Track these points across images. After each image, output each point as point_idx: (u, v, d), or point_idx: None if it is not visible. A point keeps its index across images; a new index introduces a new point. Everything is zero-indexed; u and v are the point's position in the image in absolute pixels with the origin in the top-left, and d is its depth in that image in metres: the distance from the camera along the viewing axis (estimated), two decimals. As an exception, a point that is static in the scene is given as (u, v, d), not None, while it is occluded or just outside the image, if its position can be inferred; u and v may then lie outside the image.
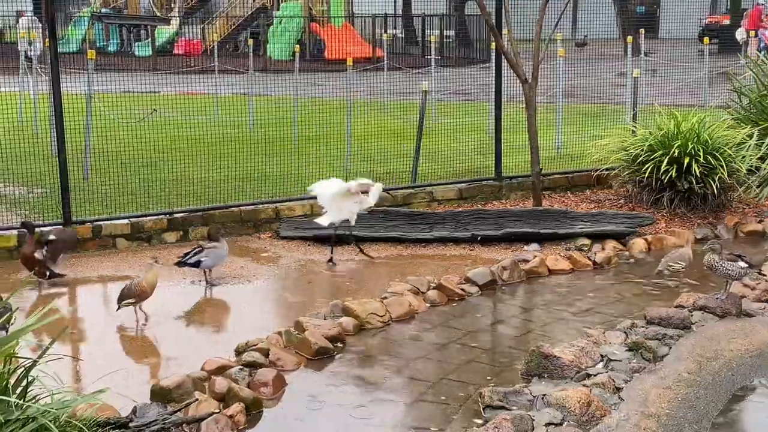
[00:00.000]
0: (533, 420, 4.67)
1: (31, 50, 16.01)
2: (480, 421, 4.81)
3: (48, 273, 7.28)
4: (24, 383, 3.39)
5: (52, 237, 7.43)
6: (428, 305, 6.76)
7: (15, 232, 7.94)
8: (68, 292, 7.34)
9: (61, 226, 7.97)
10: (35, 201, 9.64)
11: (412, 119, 11.32)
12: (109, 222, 8.56)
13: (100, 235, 8.46)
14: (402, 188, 9.89)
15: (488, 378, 5.44)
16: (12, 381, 3.42)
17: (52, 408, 3.33)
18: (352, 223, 7.99)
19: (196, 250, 7.35)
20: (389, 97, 15.73)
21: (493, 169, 10.35)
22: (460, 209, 9.31)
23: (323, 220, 8.01)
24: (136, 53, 30.22)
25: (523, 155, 10.74)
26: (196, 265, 7.32)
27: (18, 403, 3.33)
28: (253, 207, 9.13)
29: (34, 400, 3.44)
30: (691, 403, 5.03)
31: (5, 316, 5.79)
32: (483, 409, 4.93)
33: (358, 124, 11.95)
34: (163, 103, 11.60)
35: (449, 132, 12.03)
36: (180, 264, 7.32)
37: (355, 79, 12.18)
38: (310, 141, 12.59)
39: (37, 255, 7.23)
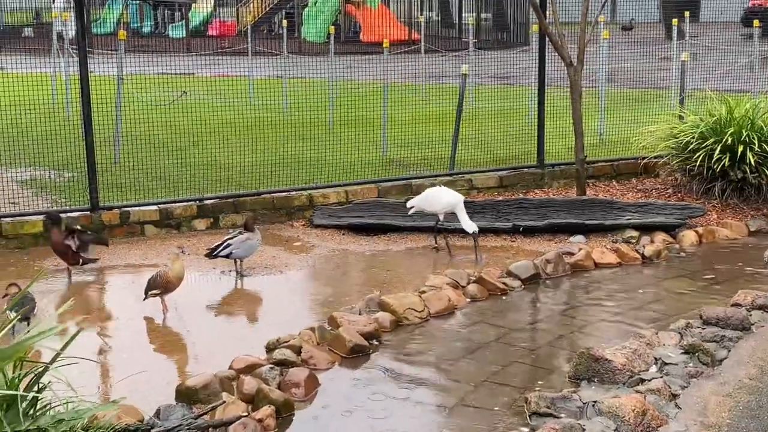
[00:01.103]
0: (584, 430, 4.33)
1: (65, 31, 15.83)
2: (526, 430, 4.48)
3: (81, 260, 7.05)
4: (35, 389, 3.12)
5: (78, 227, 7.20)
6: (468, 300, 6.42)
7: (41, 218, 7.71)
8: (95, 281, 7.10)
9: (94, 233, 7.52)
10: (64, 185, 9.44)
11: (448, 104, 10.96)
12: (137, 208, 8.32)
13: (128, 222, 8.23)
14: (440, 176, 9.53)
15: (533, 381, 5.09)
16: (23, 387, 3.14)
17: (64, 417, 3.05)
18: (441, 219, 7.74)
19: (227, 240, 7.08)
20: (426, 80, 15.33)
21: (535, 156, 9.95)
22: (501, 198, 8.93)
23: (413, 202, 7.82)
24: (170, 35, 30.08)
25: (565, 141, 10.33)
26: (228, 255, 7.06)
27: (28, 413, 3.07)
28: (285, 194, 8.84)
29: (46, 409, 3.17)
30: (753, 412, 4.64)
31: (25, 308, 5.58)
32: (529, 416, 4.59)
33: (395, 109, 11.61)
34: (196, 86, 11.37)
35: (487, 117, 11.62)
36: (210, 255, 7.05)
37: (391, 62, 11.82)
38: (345, 125, 12.26)
39: (68, 242, 7.00)
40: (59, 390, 3.42)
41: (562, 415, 4.54)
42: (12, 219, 7.89)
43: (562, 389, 4.81)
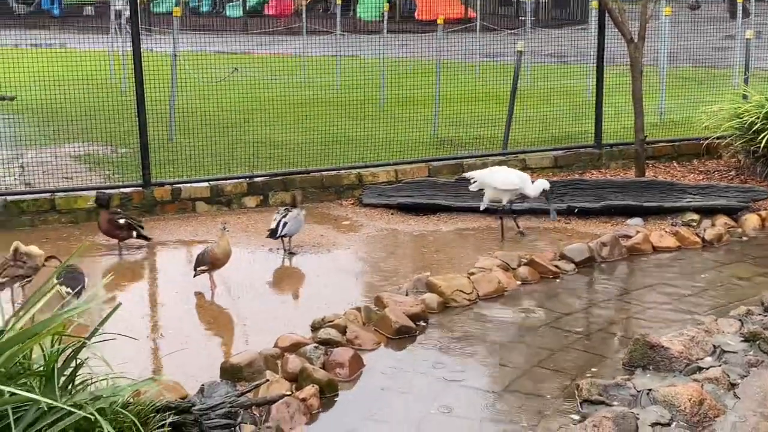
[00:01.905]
0: (638, 419, 4.16)
1: (123, 8, 15.95)
2: (577, 417, 4.33)
3: (136, 234, 7.09)
4: (73, 365, 3.08)
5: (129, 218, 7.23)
6: (519, 283, 6.26)
7: (93, 193, 7.75)
8: (145, 257, 7.12)
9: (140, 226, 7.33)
10: (118, 161, 9.50)
11: (502, 82, 10.72)
12: (188, 185, 8.33)
13: (180, 198, 8.24)
14: (492, 155, 9.33)
15: (585, 368, 4.92)
16: (60, 363, 3.10)
17: (102, 394, 3.01)
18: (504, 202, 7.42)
19: (279, 218, 7.04)
20: (480, 59, 15.07)
21: (592, 135, 9.68)
22: (555, 178, 8.71)
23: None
24: (228, 14, 30.18)
25: (623, 121, 10.03)
26: (285, 234, 7.02)
27: (66, 387, 3.03)
28: (335, 172, 8.75)
29: (84, 385, 3.13)
30: (817, 404, 4.42)
31: (80, 285, 5.59)
32: (580, 403, 4.44)
33: (447, 87, 11.41)
34: (251, 64, 11.33)
35: (543, 96, 11.37)
36: (273, 236, 6.97)
37: (445, 40, 11.62)
38: (397, 104, 12.12)
39: (119, 219, 7.03)
40: (101, 366, 3.40)
41: (615, 403, 4.38)
42: (65, 194, 7.95)
43: (615, 376, 4.64)
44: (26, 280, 5.75)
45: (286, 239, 7.05)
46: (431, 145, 10.05)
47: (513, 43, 11.18)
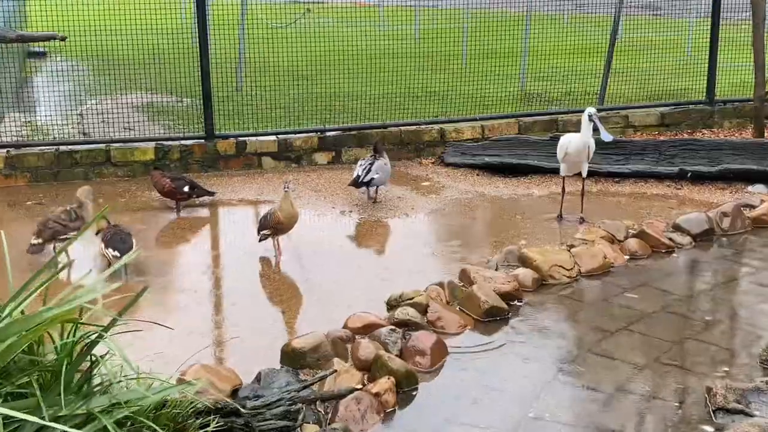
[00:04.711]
0: (791, 436, 3.34)
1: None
2: (710, 429, 3.52)
3: (189, 195, 6.47)
4: (90, 362, 2.42)
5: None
6: (627, 257, 5.42)
7: (152, 145, 7.17)
8: (204, 217, 6.50)
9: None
10: (182, 111, 8.90)
11: (596, 34, 9.73)
12: (254, 138, 7.67)
13: (245, 153, 7.60)
14: (590, 111, 8.40)
15: (714, 365, 4.09)
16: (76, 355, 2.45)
17: (121, 399, 2.34)
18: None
19: (366, 165, 6.38)
20: (570, 9, 13.98)
21: (703, 91, 8.65)
22: (663, 138, 7.75)
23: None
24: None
25: (738, 76, 8.97)
26: (370, 182, 6.36)
27: (81, 389, 2.37)
28: (415, 127, 7.98)
29: (104, 386, 2.47)
30: None
31: (125, 245, 5.01)
32: (713, 411, 3.62)
33: (535, 40, 10.47)
34: (325, 13, 10.61)
35: (637, 49, 10.33)
36: (357, 184, 6.34)
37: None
38: (481, 57, 11.22)
39: (173, 184, 6.41)
40: (143, 357, 2.75)
41: (757, 413, 3.55)
42: (122, 145, 7.38)
43: (753, 378, 3.80)
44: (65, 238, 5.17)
45: (372, 189, 6.39)
46: (518, 101, 9.18)
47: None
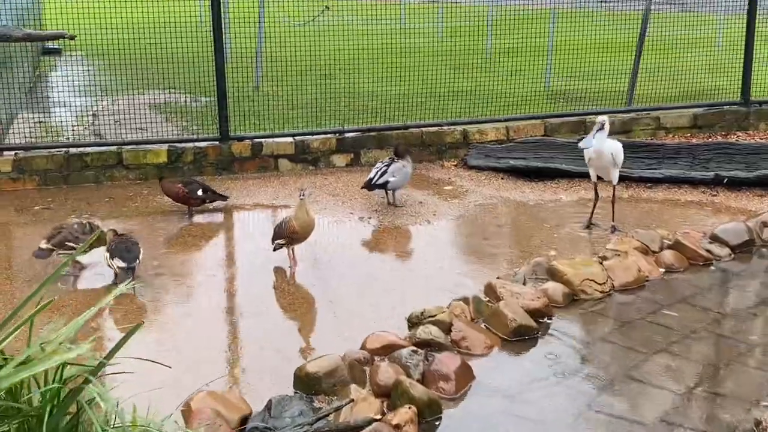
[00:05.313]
0: None
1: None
2: (762, 470, 3.21)
3: (201, 200, 6.22)
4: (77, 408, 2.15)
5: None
6: (662, 270, 5.10)
7: (164, 147, 6.92)
8: (216, 223, 6.24)
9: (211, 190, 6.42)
10: (197, 111, 8.65)
11: (624, 31, 9.39)
12: (270, 140, 7.41)
13: (261, 155, 7.34)
14: (619, 111, 8.08)
15: (762, 393, 3.77)
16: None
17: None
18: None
19: (382, 167, 6.16)
20: (597, 5, 13.59)
21: (738, 91, 8.28)
22: (697, 141, 7.42)
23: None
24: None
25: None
26: (384, 185, 6.12)
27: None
28: (436, 128, 7.69)
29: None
30: None
31: (131, 255, 4.77)
32: (765, 448, 3.32)
33: (561, 36, 10.14)
34: (346, 9, 10.33)
35: (665, 47, 9.96)
36: (369, 187, 6.10)
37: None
38: (505, 54, 10.90)
39: (186, 189, 6.17)
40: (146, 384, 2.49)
41: (814, 450, 3.25)
42: (134, 147, 7.14)
43: (808, 409, 3.49)
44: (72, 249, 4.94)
45: (389, 193, 6.16)
46: (543, 99, 8.86)
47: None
